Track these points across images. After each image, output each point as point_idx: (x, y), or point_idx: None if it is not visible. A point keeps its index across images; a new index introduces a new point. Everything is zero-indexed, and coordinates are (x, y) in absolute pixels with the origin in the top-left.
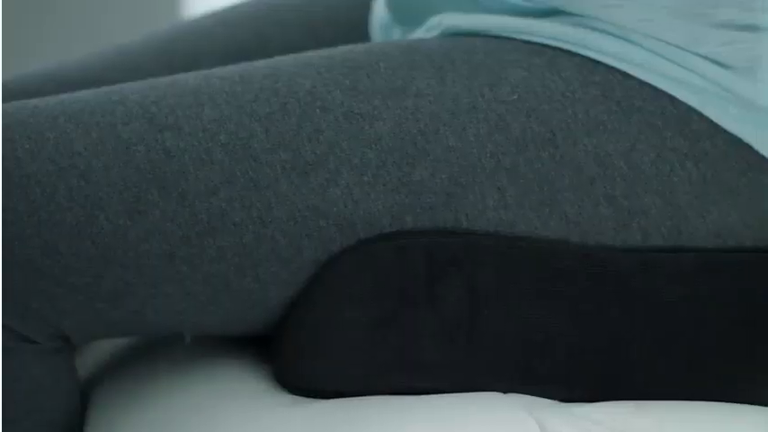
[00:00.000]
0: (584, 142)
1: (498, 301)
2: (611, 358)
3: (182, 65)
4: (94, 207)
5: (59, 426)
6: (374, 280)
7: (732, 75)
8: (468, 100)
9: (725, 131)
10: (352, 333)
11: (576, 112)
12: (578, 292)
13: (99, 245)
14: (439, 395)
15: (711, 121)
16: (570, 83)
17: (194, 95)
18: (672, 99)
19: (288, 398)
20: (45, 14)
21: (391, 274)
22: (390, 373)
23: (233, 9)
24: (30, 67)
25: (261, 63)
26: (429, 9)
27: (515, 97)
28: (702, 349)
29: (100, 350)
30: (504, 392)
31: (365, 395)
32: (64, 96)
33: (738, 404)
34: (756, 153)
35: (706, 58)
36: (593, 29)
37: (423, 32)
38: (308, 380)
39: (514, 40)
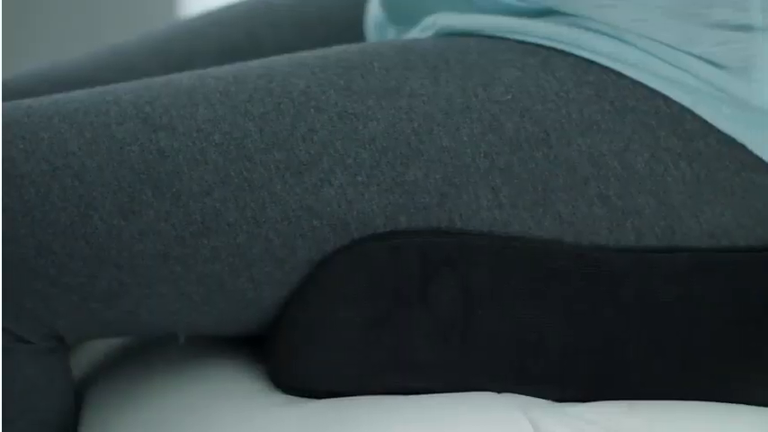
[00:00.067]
0: (577, 142)
1: (492, 301)
2: (604, 358)
3: (176, 65)
4: (89, 207)
5: (53, 426)
6: (368, 280)
7: (726, 75)
8: (462, 100)
9: (718, 131)
10: (347, 333)
11: (569, 112)
12: (572, 291)
13: (93, 245)
14: (433, 395)
15: (705, 121)
16: (564, 83)
17: (189, 95)
18: (665, 99)
19: (282, 398)
20: (42, 14)
21: (385, 274)
22: (384, 373)
23: (227, 9)
24: (27, 66)
25: (255, 63)
26: (423, 9)
27: (509, 97)
28: (696, 349)
29: (94, 350)
30: (498, 392)
31: (359, 395)
32: (58, 96)
33: (732, 404)
34: (750, 153)
35: (700, 57)
36: (587, 29)
37: (417, 32)
38: (302, 380)
39: (508, 40)
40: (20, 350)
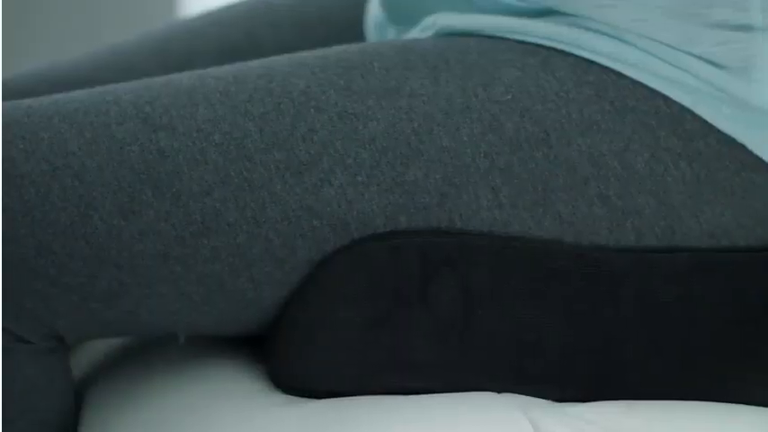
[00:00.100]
0: (577, 142)
1: (492, 301)
2: (604, 358)
3: (176, 65)
4: (89, 207)
5: (53, 425)
6: (368, 280)
7: (726, 75)
8: (462, 100)
9: (718, 131)
10: (346, 333)
11: (569, 112)
12: (572, 291)
13: (93, 245)
14: (432, 395)
15: (705, 121)
16: (564, 83)
17: (189, 95)
18: (665, 99)
19: (282, 398)
20: (42, 14)
21: (385, 274)
22: (384, 373)
23: (227, 9)
24: (27, 66)
25: (255, 63)
26: (423, 9)
27: (509, 97)
28: (696, 349)
29: (94, 350)
30: (498, 392)
31: (359, 395)
32: (58, 96)
33: (731, 404)
34: (750, 153)
35: (700, 57)
36: (588, 29)
37: (417, 32)
38: (301, 380)
39: (508, 40)
40: (20, 350)
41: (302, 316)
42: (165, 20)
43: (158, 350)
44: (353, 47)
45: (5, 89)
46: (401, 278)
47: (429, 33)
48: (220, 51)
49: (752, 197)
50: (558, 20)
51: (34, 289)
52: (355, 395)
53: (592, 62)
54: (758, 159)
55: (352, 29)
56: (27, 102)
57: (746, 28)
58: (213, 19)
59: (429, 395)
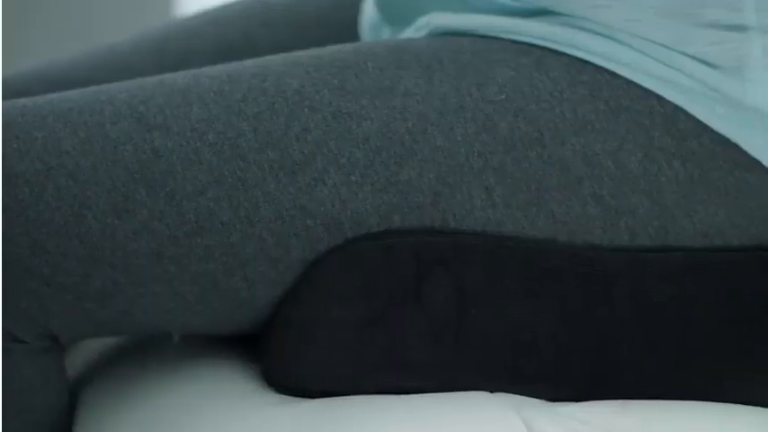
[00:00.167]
0: (571, 142)
1: (486, 301)
2: (598, 358)
3: (172, 64)
4: (82, 206)
5: (48, 425)
6: (362, 279)
7: (719, 74)
8: (456, 100)
9: (712, 131)
10: (340, 332)
11: (563, 112)
12: (566, 291)
13: (87, 244)
14: (426, 395)
15: (699, 121)
16: (558, 82)
17: (183, 95)
18: (659, 98)
19: (276, 397)
20: (40, 14)
21: (379, 274)
22: (378, 373)
23: (224, 8)
24: (24, 66)
25: (249, 62)
26: (418, 9)
27: (503, 97)
28: (690, 349)
29: (89, 349)
30: (492, 392)
31: (353, 395)
32: (53, 96)
33: (726, 403)
34: (743, 152)
35: (693, 57)
36: (582, 29)
37: (411, 32)
38: (295, 379)
39: (502, 39)
40: (15, 350)
41: (296, 315)
42: (162, 19)
43: (153, 350)
44: (348, 47)
45: (3, 88)
46: (395, 278)
47: (423, 33)
48: (217, 51)
49: (745, 197)
50: (552, 20)
51: (28, 288)
52: (349, 395)
53: (586, 62)
54: (752, 159)
55: (347, 29)
56: (22, 101)
57: (740, 28)
58: (210, 18)
59: (422, 395)
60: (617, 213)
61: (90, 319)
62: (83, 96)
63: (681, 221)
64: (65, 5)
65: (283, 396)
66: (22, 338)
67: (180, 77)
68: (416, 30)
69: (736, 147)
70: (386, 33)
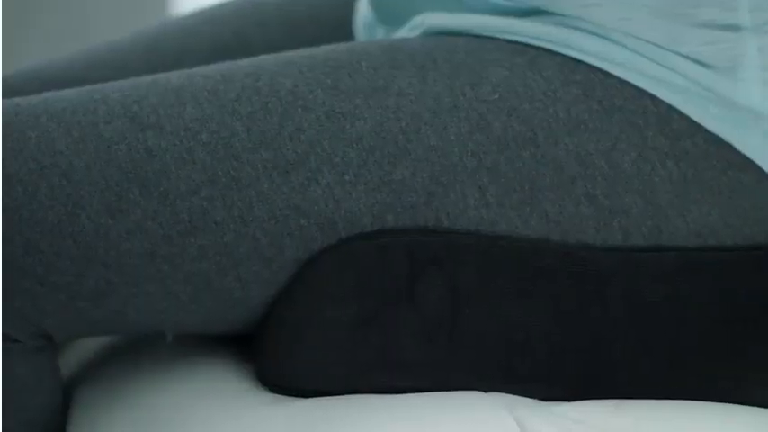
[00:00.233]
0: (565, 141)
1: (479, 300)
2: (592, 357)
3: (167, 63)
4: (76, 206)
5: (42, 424)
6: (355, 279)
7: (713, 74)
8: (450, 99)
9: (706, 130)
10: (334, 332)
11: (557, 112)
12: (559, 291)
13: (80, 244)
14: (419, 394)
15: (692, 121)
16: (551, 82)
17: (176, 94)
18: (653, 98)
19: (269, 397)
20: (37, 14)
21: (372, 274)
22: (372, 372)
23: (218, 7)
24: (20, 65)
25: (243, 62)
26: (412, 8)
27: (496, 96)
28: (684, 348)
29: (83, 349)
30: (485, 391)
31: (347, 394)
32: (47, 95)
33: (719, 403)
34: (737, 152)
35: (687, 57)
36: (575, 28)
37: (406, 32)
38: (289, 379)
39: (497, 39)
40: (9, 349)
41: (290, 315)
42: (158, 18)
43: (146, 349)
44: (341, 46)
45: (2, 87)
46: (388, 277)
47: (417, 33)
48: (211, 50)
49: (739, 196)
50: (546, 19)
51: (22, 288)
52: (343, 394)
53: (579, 61)
54: (745, 159)
55: (341, 28)
56: (16, 100)
57: (734, 28)
58: (204, 17)
59: (416, 394)
60: (610, 213)
61: (83, 318)
62: (76, 96)
63: (674, 221)
64: (60, 4)
65: (277, 395)
66: (15, 338)
67: (174, 77)
68: (411, 29)
69: (729, 146)
70: (380, 33)
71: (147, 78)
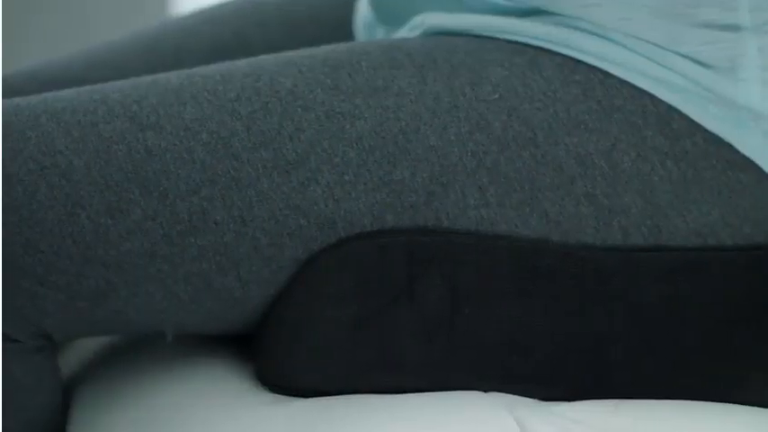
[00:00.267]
0: (564, 141)
1: (479, 300)
2: (592, 357)
3: (167, 63)
4: (76, 206)
5: (42, 424)
6: (355, 279)
7: (713, 74)
8: (450, 99)
9: (705, 130)
10: (333, 332)
11: (556, 112)
12: (559, 290)
13: (80, 243)
14: (419, 394)
15: (692, 120)
16: (551, 82)
17: (176, 94)
18: (652, 98)
19: (269, 396)
20: (36, 13)
21: (372, 273)
22: (371, 372)
23: (218, 7)
24: (19, 65)
25: (243, 62)
26: (412, 8)
27: (496, 96)
28: (684, 348)
29: (83, 348)
30: (485, 391)
31: (346, 394)
32: (47, 95)
33: (719, 403)
34: (736, 152)
35: (687, 57)
36: (575, 28)
37: (406, 32)
38: (288, 379)
39: (496, 39)
40: (8, 349)
41: (289, 315)
42: (158, 18)
43: (146, 349)
44: (341, 46)
45: (2, 87)
46: (388, 277)
47: (417, 33)
48: (211, 50)
49: (739, 196)
50: (546, 19)
51: (22, 288)
52: (342, 394)
53: (579, 61)
54: (745, 158)
55: (341, 28)
56: (15, 100)
57: (734, 28)
58: (204, 17)
59: (415, 394)
60: (610, 213)
61: (83, 318)
62: (76, 96)
63: (674, 221)
64: (63, 5)
65: (277, 395)
66: (15, 338)
67: (173, 77)
68: (411, 29)
69: (729, 146)
70: (380, 33)
71: (147, 78)
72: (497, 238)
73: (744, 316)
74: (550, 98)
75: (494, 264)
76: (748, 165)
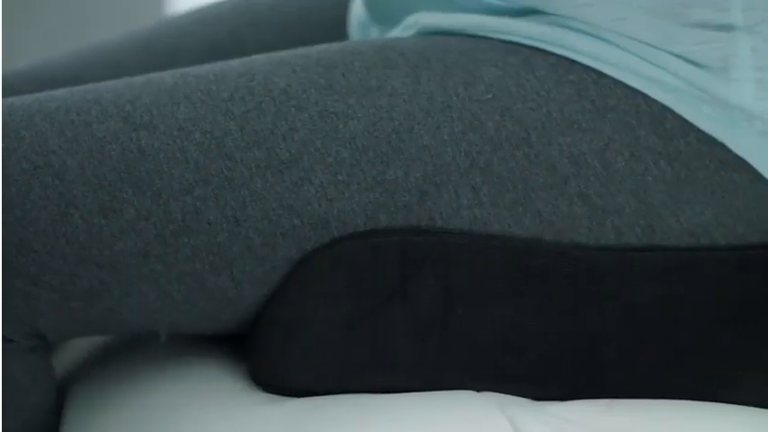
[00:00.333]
0: (558, 141)
1: (472, 300)
2: (585, 357)
3: (161, 62)
4: (69, 205)
5: (35, 424)
6: (348, 279)
7: (706, 74)
8: (443, 99)
9: (698, 130)
10: (327, 332)
11: (550, 111)
12: (552, 290)
13: (74, 243)
14: (412, 394)
15: (685, 120)
16: (545, 82)
17: (169, 94)
18: (646, 98)
19: (262, 396)
20: (34, 13)
21: (365, 273)
22: (364, 372)
23: (212, 7)
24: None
25: (236, 62)
26: (406, 8)
27: (490, 96)
28: (678, 348)
29: (77, 348)
30: (478, 391)
31: (339, 394)
32: (40, 94)
33: (712, 403)
34: (730, 152)
35: (680, 57)
36: (569, 28)
37: (399, 31)
38: (282, 378)
39: (490, 39)
40: (6, 349)
41: (282, 315)
42: (153, 17)
43: (140, 349)
44: (335, 46)
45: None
46: (381, 277)
47: (411, 32)
48: (206, 50)
49: (732, 196)
50: (540, 19)
51: (15, 287)
52: (336, 394)
53: (573, 61)
54: (738, 158)
55: (335, 28)
56: (9, 100)
57: (727, 28)
58: (198, 17)
59: (408, 394)
60: (603, 212)
61: (77, 318)
62: (70, 95)
63: (667, 221)
64: (63, 5)
65: (270, 395)
66: (9, 337)
67: (167, 77)
68: (404, 29)
69: (722, 146)
70: (374, 32)
71: (141, 78)
72: (490, 237)
73: (737, 316)
74: (544, 98)
75: (487, 263)
76: (741, 165)
